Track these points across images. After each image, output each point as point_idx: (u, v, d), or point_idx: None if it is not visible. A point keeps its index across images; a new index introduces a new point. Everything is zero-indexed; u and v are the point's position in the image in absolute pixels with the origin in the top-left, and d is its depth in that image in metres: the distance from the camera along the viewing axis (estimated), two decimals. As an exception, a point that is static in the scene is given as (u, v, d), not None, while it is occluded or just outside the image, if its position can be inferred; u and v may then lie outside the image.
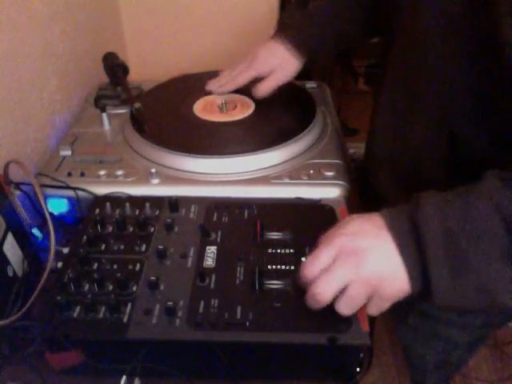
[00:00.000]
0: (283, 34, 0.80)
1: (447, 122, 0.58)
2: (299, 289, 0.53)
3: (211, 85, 0.87)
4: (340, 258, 0.47)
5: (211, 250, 0.59)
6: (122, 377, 0.50)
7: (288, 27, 0.81)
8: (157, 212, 0.64)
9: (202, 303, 0.52)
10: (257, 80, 0.82)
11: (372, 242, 0.47)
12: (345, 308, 0.47)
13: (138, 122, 0.80)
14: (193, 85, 0.95)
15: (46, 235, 0.63)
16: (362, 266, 0.46)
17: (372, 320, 0.53)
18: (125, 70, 0.93)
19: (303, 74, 0.83)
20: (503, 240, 0.43)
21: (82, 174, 0.72)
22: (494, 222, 0.43)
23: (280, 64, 0.80)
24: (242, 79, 0.83)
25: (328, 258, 0.47)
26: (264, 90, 0.81)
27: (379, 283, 0.46)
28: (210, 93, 0.87)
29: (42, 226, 0.65)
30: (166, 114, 0.86)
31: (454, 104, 0.56)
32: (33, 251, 0.65)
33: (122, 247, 0.59)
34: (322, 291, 0.47)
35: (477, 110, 0.55)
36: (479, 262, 0.43)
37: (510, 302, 0.45)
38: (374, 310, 0.48)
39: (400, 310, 0.74)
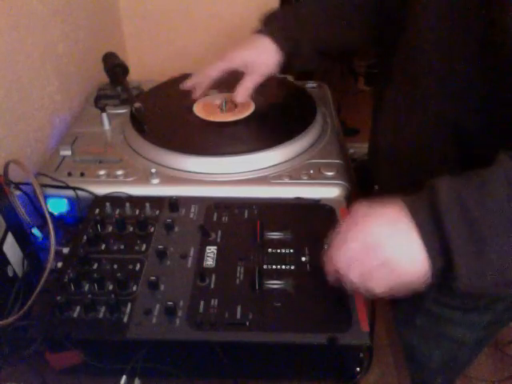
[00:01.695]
0: (264, 28, 0.78)
1: (451, 114, 0.58)
2: (299, 289, 0.53)
3: (187, 84, 0.83)
4: (365, 245, 0.47)
5: (211, 250, 0.59)
6: (122, 377, 0.50)
7: (270, 23, 0.79)
8: (157, 212, 0.64)
9: (202, 303, 0.52)
10: (236, 75, 0.79)
11: (395, 231, 0.47)
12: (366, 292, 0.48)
13: (138, 122, 0.80)
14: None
15: (46, 235, 0.63)
16: (384, 253, 0.46)
17: (372, 320, 0.53)
18: (125, 70, 0.93)
19: (303, 74, 0.83)
20: None
21: (82, 174, 0.72)
22: (510, 202, 0.43)
23: (255, 57, 0.76)
24: (214, 72, 0.78)
25: (357, 246, 0.48)
26: (242, 93, 0.77)
27: (401, 269, 0.46)
28: (189, 92, 0.84)
29: (42, 226, 0.65)
30: (166, 114, 0.85)
31: (457, 96, 0.57)
32: (33, 251, 0.65)
33: (122, 247, 0.59)
34: (349, 273, 0.48)
35: (480, 102, 0.55)
36: (499, 239, 0.43)
37: None
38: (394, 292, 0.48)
39: (406, 310, 0.74)
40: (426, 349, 0.78)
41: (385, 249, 0.46)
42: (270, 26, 0.78)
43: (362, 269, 0.47)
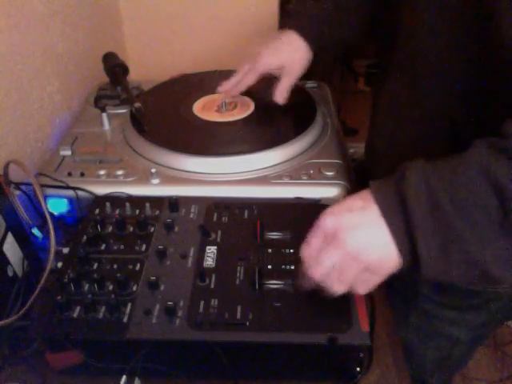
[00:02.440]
0: (294, 23, 0.77)
1: (449, 110, 0.59)
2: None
3: (222, 87, 0.83)
4: (325, 240, 0.47)
5: (211, 250, 0.59)
6: (122, 377, 0.50)
7: (299, 16, 0.79)
8: (157, 212, 0.64)
9: (202, 303, 0.52)
10: (267, 76, 0.80)
11: (357, 218, 0.47)
12: (336, 285, 0.47)
13: (138, 122, 0.80)
14: (193, 85, 0.95)
15: (46, 235, 0.63)
16: (344, 244, 0.46)
17: (372, 320, 0.53)
18: (125, 70, 0.93)
19: (303, 74, 0.83)
20: (492, 208, 0.42)
21: (82, 174, 0.72)
22: (482, 188, 0.42)
23: (290, 58, 0.77)
24: (248, 81, 0.80)
25: (318, 241, 0.48)
26: (281, 94, 0.79)
27: (367, 257, 0.46)
28: (218, 92, 0.85)
29: (42, 226, 0.65)
30: (166, 114, 0.85)
31: (456, 93, 0.57)
32: (33, 251, 0.65)
33: (122, 247, 0.59)
34: (313, 271, 0.47)
35: (477, 98, 0.55)
36: (466, 230, 0.42)
37: (503, 275, 0.44)
38: (363, 285, 0.47)
39: (401, 308, 0.74)
40: (420, 346, 0.79)
41: (352, 239, 0.46)
42: (296, 21, 0.78)
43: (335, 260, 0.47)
